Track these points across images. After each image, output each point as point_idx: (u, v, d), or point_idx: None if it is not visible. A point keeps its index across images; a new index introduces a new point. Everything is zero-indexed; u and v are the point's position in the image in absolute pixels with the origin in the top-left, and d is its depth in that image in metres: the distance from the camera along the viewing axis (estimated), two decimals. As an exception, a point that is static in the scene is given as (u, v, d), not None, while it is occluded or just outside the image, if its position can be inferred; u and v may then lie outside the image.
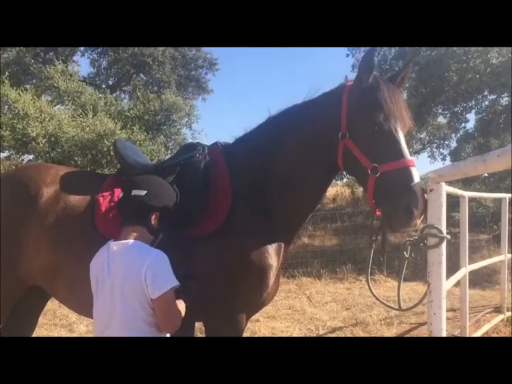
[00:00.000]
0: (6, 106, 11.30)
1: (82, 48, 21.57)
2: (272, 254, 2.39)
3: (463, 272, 4.59)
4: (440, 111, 16.61)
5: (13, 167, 10.30)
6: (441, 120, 17.78)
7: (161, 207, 2.17)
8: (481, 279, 8.13)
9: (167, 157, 11.73)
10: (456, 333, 4.88)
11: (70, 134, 10.88)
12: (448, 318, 1.97)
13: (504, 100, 14.62)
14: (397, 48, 17.64)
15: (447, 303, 1.97)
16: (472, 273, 5.34)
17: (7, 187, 2.61)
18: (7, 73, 12.01)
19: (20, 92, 11.23)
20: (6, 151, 11.87)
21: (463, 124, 16.63)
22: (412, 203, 2.03)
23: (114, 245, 2.09)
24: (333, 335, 5.48)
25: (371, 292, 2.49)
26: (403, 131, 2.22)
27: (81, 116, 11.57)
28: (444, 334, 1.91)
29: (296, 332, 5.60)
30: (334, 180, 2.62)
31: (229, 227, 2.34)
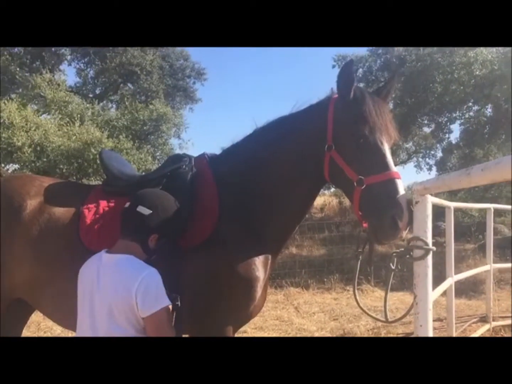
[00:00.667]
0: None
1: (69, 57, 21.48)
2: (259, 266, 2.37)
3: (449, 282, 4.62)
4: (425, 121, 16.83)
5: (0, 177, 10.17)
6: (427, 130, 18.01)
7: (162, 230, 2.11)
8: (466, 288, 8.19)
9: (154, 166, 11.72)
10: (443, 343, 4.88)
11: (56, 143, 10.80)
12: (434, 328, 1.98)
13: (488, 111, 14.86)
14: (382, 59, 17.88)
15: (433, 313, 1.98)
16: (458, 283, 5.38)
17: (-10, 198, 2.57)
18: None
19: (6, 101, 11.13)
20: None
21: (447, 135, 16.86)
22: (397, 215, 2.04)
23: (107, 257, 2.05)
24: (321, 346, 5.45)
25: (359, 306, 2.49)
26: (389, 143, 2.23)
27: (67, 125, 11.49)
28: (430, 345, 1.91)
29: (284, 343, 5.56)
30: (321, 190, 2.63)
31: (216, 239, 2.32)
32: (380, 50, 17.29)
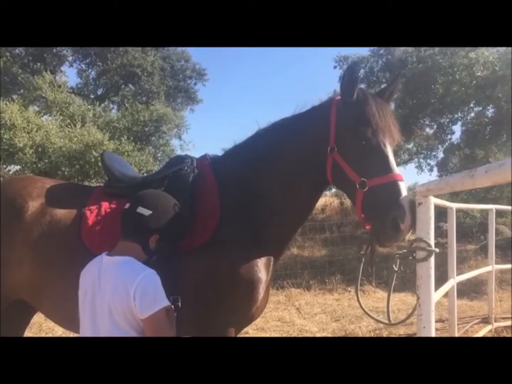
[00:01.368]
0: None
1: (70, 58, 21.55)
2: (261, 267, 2.37)
3: (451, 283, 4.61)
4: (427, 122, 16.83)
5: (1, 179, 10.19)
6: (429, 131, 18.00)
7: (162, 230, 2.11)
8: (468, 289, 8.18)
9: (156, 168, 11.74)
10: (445, 344, 4.87)
11: (58, 144, 10.83)
12: (436, 329, 1.98)
13: (489, 112, 14.87)
14: (384, 59, 17.89)
15: (435, 314, 1.98)
16: (460, 284, 5.37)
17: (-8, 200, 2.57)
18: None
19: (7, 103, 11.15)
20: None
21: (449, 136, 16.85)
22: (399, 217, 2.03)
23: (107, 259, 2.04)
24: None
25: (362, 309, 2.48)
26: (392, 145, 2.23)
27: (69, 126, 11.51)
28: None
29: (286, 345, 5.55)
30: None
31: (217, 240, 2.32)
32: (382, 50, 17.31)
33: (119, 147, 11.31)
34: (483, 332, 5.59)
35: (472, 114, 15.53)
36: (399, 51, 16.13)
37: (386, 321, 2.44)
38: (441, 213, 7.43)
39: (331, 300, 8.24)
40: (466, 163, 14.66)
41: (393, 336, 5.70)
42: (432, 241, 1.92)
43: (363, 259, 2.38)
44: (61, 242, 2.44)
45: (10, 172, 11.96)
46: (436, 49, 13.47)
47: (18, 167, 11.50)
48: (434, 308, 1.95)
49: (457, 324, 4.91)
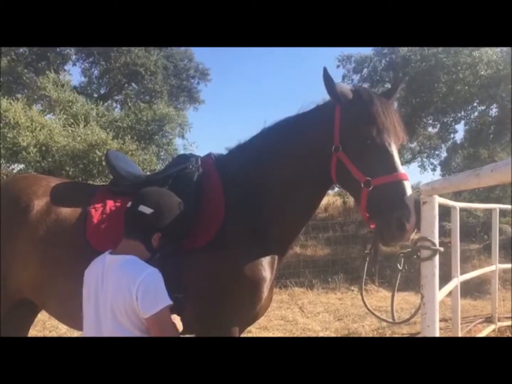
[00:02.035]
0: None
1: (74, 57, 21.56)
2: (266, 266, 2.37)
3: (455, 282, 4.61)
4: (430, 121, 16.78)
5: (5, 177, 10.22)
6: (431, 130, 17.96)
7: (165, 229, 2.11)
8: (472, 289, 8.16)
9: (159, 167, 11.75)
10: (449, 343, 4.87)
11: (61, 143, 10.83)
12: (440, 328, 1.97)
13: (493, 111, 14.83)
14: (387, 58, 17.85)
15: (439, 313, 1.98)
16: (463, 283, 5.35)
17: (-3, 199, 2.58)
18: (-1, 83, 11.99)
19: (11, 101, 11.17)
20: (-3, 161, 11.77)
21: (452, 135, 16.80)
22: (404, 217, 2.02)
23: (110, 258, 2.05)
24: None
25: (367, 308, 2.48)
26: (396, 144, 2.22)
27: (72, 125, 11.53)
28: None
29: (289, 343, 5.56)
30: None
31: (222, 239, 2.32)
32: (385, 50, 17.26)
33: (123, 146, 11.31)
34: (486, 331, 5.58)
35: (476, 113, 15.50)
36: (403, 50, 16.07)
37: (390, 320, 2.44)
38: (444, 213, 7.42)
39: (334, 299, 8.23)
40: (469, 162, 14.63)
41: (397, 335, 5.70)
42: (436, 240, 1.92)
43: (367, 258, 2.38)
44: (66, 240, 2.44)
45: (14, 171, 11.98)
46: (440, 47, 13.42)
47: (22, 166, 11.51)
48: (438, 307, 1.95)
49: (461, 324, 4.90)
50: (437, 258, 1.90)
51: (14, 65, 18.05)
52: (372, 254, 2.36)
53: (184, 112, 17.62)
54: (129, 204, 2.16)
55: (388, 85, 18.38)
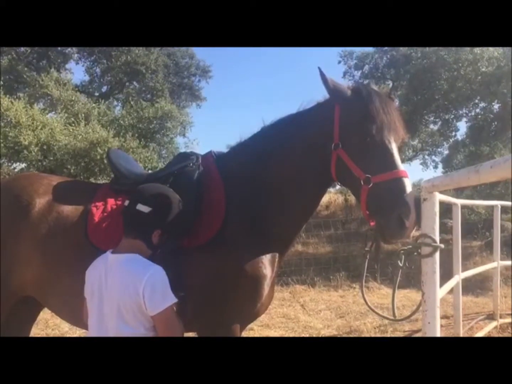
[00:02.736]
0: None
1: (75, 56, 21.57)
2: (266, 264, 2.37)
3: (456, 279, 4.61)
4: (431, 119, 16.76)
5: (7, 176, 10.24)
6: (433, 127, 17.93)
7: (164, 225, 2.12)
8: (473, 286, 8.16)
9: (160, 165, 11.76)
10: (450, 340, 4.87)
11: (63, 142, 10.86)
12: (441, 326, 1.98)
13: (495, 108, 14.79)
14: (388, 56, 17.83)
15: (440, 310, 1.98)
16: (465, 280, 5.36)
17: (-1, 197, 2.59)
18: (0, 82, 11.98)
19: (13, 100, 11.18)
20: (-1, 160, 11.80)
21: (453, 132, 16.79)
22: (404, 214, 2.02)
23: (112, 257, 2.05)
24: (327, 343, 5.46)
25: (368, 305, 2.48)
26: (397, 142, 2.22)
27: (73, 124, 11.54)
28: (438, 343, 1.91)
29: (290, 341, 5.57)
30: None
31: (222, 237, 2.32)
32: (386, 47, 17.23)
33: (124, 144, 11.32)
34: (488, 328, 5.58)
35: (477, 110, 15.47)
36: (404, 47, 16.05)
37: (391, 317, 2.44)
38: (446, 210, 7.42)
39: (335, 296, 8.24)
40: (471, 159, 14.61)
41: (398, 332, 5.70)
42: (437, 237, 1.92)
43: (367, 256, 2.38)
44: (68, 238, 2.45)
45: (16, 170, 12.00)
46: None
47: (23, 165, 11.54)
48: (439, 304, 1.95)
49: (462, 321, 4.91)
50: (437, 255, 1.90)
51: (15, 63, 18.07)
52: (373, 251, 2.36)
53: (186, 110, 17.63)
54: (126, 203, 2.17)
55: (389, 82, 18.40)
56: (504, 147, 15.00)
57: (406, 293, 7.86)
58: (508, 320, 5.92)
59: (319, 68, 2.29)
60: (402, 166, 2.15)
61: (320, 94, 2.49)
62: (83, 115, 12.27)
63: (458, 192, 14.17)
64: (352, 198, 15.96)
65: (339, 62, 18.81)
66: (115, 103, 22.12)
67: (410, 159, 19.86)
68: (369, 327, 5.88)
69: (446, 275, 4.31)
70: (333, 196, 18.71)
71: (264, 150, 2.49)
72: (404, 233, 2.06)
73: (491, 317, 6.03)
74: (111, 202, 2.51)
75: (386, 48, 17.47)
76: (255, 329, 5.88)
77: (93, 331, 2.08)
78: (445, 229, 9.89)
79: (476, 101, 14.81)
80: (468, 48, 13.19)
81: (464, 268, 5.22)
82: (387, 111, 2.20)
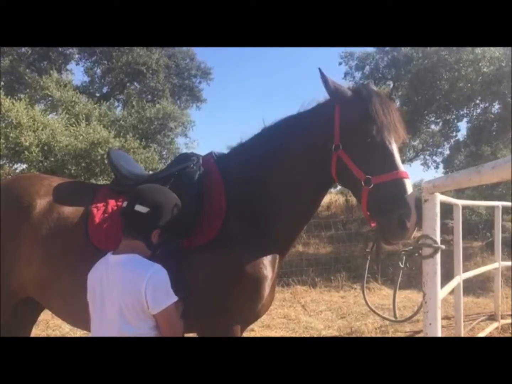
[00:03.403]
0: (-1, 115, 11.26)
1: (76, 57, 21.58)
2: (267, 264, 2.37)
3: (457, 280, 4.60)
4: (432, 119, 16.75)
5: (8, 177, 10.24)
6: (434, 127, 17.92)
7: (163, 225, 2.12)
8: (474, 286, 8.15)
9: (161, 165, 11.75)
10: (451, 341, 4.87)
11: (64, 143, 10.85)
12: (442, 326, 1.98)
13: (496, 108, 14.78)
14: (389, 56, 17.82)
15: (441, 311, 1.98)
16: (466, 281, 5.35)
17: (0, 198, 2.59)
18: (1, 82, 11.98)
19: (14, 101, 11.19)
20: (-1, 161, 11.80)
21: (454, 133, 16.76)
22: (405, 215, 2.02)
23: (113, 258, 2.06)
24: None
25: (369, 306, 2.48)
26: (397, 143, 2.22)
27: (74, 125, 11.54)
28: (439, 344, 1.91)
29: (291, 342, 5.57)
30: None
31: (223, 238, 2.32)
32: (387, 47, 17.22)
33: (125, 145, 11.32)
34: (489, 329, 5.57)
35: (478, 111, 15.44)
36: (405, 47, 16.05)
37: (392, 318, 2.44)
38: (447, 210, 7.41)
39: (336, 297, 8.23)
40: (472, 160, 14.59)
41: (399, 332, 5.69)
42: (438, 238, 1.92)
43: (368, 257, 2.38)
44: (69, 239, 2.45)
45: (17, 171, 12.00)
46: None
47: (24, 166, 11.54)
48: (440, 305, 1.95)
49: (463, 322, 4.90)
50: (438, 255, 1.90)
51: (16, 64, 18.09)
52: (374, 252, 2.36)
53: (187, 111, 17.64)
54: (124, 204, 2.17)
55: (390, 83, 18.40)
56: (505, 147, 14.97)
57: (407, 294, 7.86)
58: (509, 321, 5.91)
59: (319, 69, 2.29)
60: (402, 167, 2.15)
61: (321, 95, 2.49)
62: (84, 115, 12.27)
63: (459, 193, 14.15)
64: (353, 199, 15.96)
65: (340, 63, 18.81)
66: (116, 103, 22.13)
67: (411, 160, 19.84)
68: (370, 328, 5.88)
69: (447, 275, 4.30)
70: (334, 196, 18.72)
71: (265, 151, 2.49)
72: (405, 234, 2.06)
73: (492, 318, 6.04)
74: (111, 203, 2.52)
75: (387, 48, 17.46)
76: (256, 330, 5.88)
77: (94, 332, 2.09)
78: (446, 230, 9.89)
79: (477, 101, 14.78)
80: (469, 48, 13.18)
81: (465, 269, 5.21)
82: (387, 112, 2.20)
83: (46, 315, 5.81)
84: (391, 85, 18.21)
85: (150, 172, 3.02)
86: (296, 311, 7.19)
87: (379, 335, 5.60)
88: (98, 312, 2.06)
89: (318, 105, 2.49)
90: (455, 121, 16.23)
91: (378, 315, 2.59)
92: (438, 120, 16.77)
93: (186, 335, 2.30)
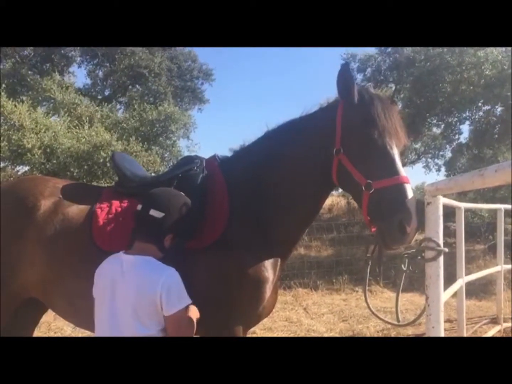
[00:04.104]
0: (2, 118, 11.26)
1: (78, 59, 21.63)
2: (269, 267, 2.38)
3: (460, 283, 4.59)
4: (434, 122, 16.72)
5: (11, 179, 10.26)
6: (436, 130, 17.88)
7: (176, 229, 2.15)
8: (477, 289, 8.13)
9: (163, 168, 11.76)
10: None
11: (66, 145, 10.86)
12: (445, 329, 1.97)
13: (498, 111, 14.74)
14: (391, 58, 17.79)
15: (444, 314, 1.98)
16: (468, 284, 5.34)
17: (4, 199, 2.60)
18: (4, 85, 12.01)
19: (16, 104, 11.22)
20: (1, 163, 11.82)
21: (457, 135, 16.72)
22: (405, 220, 2.02)
23: (127, 258, 2.08)
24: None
25: (371, 310, 2.48)
26: (398, 147, 2.21)
27: (76, 127, 11.56)
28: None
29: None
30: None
31: (225, 240, 2.33)
32: (389, 49, 17.18)
33: (127, 148, 11.34)
34: (491, 332, 5.56)
35: (481, 113, 15.40)
36: (407, 49, 16.00)
37: (395, 322, 2.43)
38: (449, 213, 7.39)
39: (338, 300, 8.22)
40: (474, 163, 14.55)
41: (402, 336, 5.68)
42: (441, 241, 1.92)
43: (369, 262, 2.38)
44: (73, 240, 2.46)
45: (19, 173, 12.02)
46: (445, 47, 13.37)
47: (26, 168, 11.55)
48: (443, 308, 1.95)
49: (466, 325, 4.89)
50: (441, 258, 1.90)
51: (18, 67, 18.14)
52: (375, 256, 2.36)
53: (189, 113, 17.64)
54: (139, 207, 2.18)
55: (392, 85, 18.38)
56: (508, 150, 14.92)
57: (410, 296, 7.83)
58: (511, 324, 5.89)
59: (347, 64, 2.26)
60: (403, 172, 2.15)
61: (323, 97, 2.49)
62: (86, 118, 12.30)
63: (462, 195, 14.12)
64: (354, 202, 15.93)
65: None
66: (118, 106, 22.16)
67: (412, 162, 19.80)
68: (372, 330, 5.87)
69: (449, 278, 4.29)
70: (335, 199, 18.68)
71: (267, 154, 2.50)
72: (405, 239, 2.06)
73: (494, 321, 6.02)
74: (115, 204, 2.53)
75: (389, 50, 17.42)
76: (258, 332, 5.88)
77: (102, 331, 2.10)
78: (448, 233, 9.85)
79: (480, 104, 14.74)
80: (471, 51, 13.17)
81: (467, 272, 5.20)
82: (389, 116, 2.20)
83: (48, 317, 5.80)
84: (393, 88, 18.19)
85: (153, 175, 3.03)
86: (298, 314, 7.17)
87: (381, 338, 5.59)
88: (107, 310, 2.07)
89: (320, 109, 2.50)
90: (457, 123, 16.18)
91: (380, 319, 2.59)
92: (440, 123, 16.73)
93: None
